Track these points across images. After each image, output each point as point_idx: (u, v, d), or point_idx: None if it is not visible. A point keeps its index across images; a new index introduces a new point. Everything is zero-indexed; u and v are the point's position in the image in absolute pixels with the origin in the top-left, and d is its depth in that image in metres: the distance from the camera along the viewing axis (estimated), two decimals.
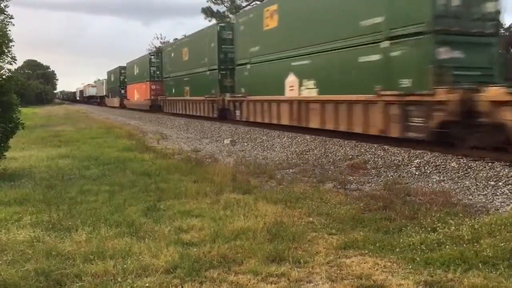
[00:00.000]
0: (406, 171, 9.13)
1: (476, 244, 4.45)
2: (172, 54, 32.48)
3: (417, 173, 8.89)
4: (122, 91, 51.92)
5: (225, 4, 49.67)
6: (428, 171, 8.89)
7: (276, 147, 13.55)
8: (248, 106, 20.26)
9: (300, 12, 15.54)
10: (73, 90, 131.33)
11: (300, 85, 15.67)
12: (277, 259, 4.36)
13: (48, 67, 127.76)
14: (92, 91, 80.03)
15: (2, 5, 9.15)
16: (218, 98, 23.60)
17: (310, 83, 15.10)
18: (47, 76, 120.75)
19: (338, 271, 4.14)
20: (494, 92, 8.92)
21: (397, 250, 4.53)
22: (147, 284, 3.83)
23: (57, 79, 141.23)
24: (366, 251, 4.58)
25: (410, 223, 5.32)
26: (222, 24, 25.56)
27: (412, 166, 9.40)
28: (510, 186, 7.32)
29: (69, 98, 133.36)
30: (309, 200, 6.55)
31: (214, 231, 5.10)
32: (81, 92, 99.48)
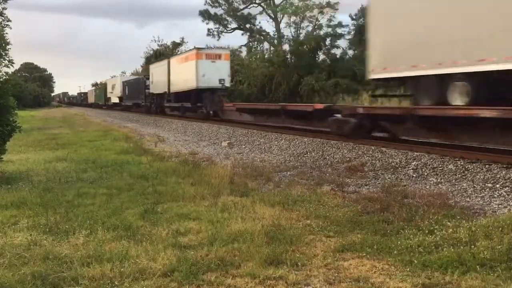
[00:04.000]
0: (403, 173, 9.13)
1: (473, 246, 4.45)
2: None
3: (414, 175, 8.90)
4: None
5: (222, 7, 49.82)
6: (426, 173, 8.90)
7: (273, 150, 13.55)
8: None
9: None
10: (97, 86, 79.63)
11: None
12: (275, 262, 4.35)
13: (45, 70, 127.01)
14: (212, 77, 25.47)
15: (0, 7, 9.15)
16: None
17: None
18: (44, 79, 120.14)
19: (336, 274, 4.14)
20: None
21: (394, 252, 4.53)
22: None
23: (54, 82, 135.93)
24: (364, 254, 4.58)
25: (408, 226, 5.32)
26: None
27: (410, 168, 9.41)
28: (507, 188, 7.33)
29: (80, 101, 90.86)
30: (306, 203, 6.55)
31: (211, 234, 5.09)
32: (128, 86, 45.75)
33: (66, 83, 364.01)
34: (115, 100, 53.75)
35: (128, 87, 46.38)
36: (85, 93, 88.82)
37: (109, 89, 57.66)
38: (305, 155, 12.09)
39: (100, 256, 4.42)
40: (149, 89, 36.94)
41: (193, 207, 6.44)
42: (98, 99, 66.55)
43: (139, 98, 40.37)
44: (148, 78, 37.89)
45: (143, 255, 4.48)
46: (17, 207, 6.47)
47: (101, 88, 68.46)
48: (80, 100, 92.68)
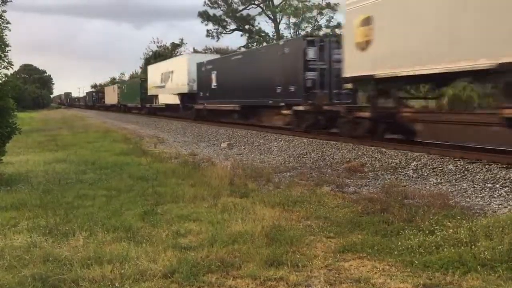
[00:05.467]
0: (403, 173, 9.13)
1: (474, 246, 4.44)
2: None
3: (414, 175, 8.90)
4: None
5: (222, 8, 49.89)
6: (426, 174, 8.90)
7: (273, 150, 13.55)
8: None
9: None
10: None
11: None
12: (275, 263, 4.34)
13: (44, 71, 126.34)
14: None
15: None
16: None
17: None
18: (44, 81, 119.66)
19: (337, 275, 4.13)
20: None
21: (395, 253, 4.53)
22: None
23: (53, 83, 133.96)
24: (364, 254, 4.57)
25: (408, 226, 5.31)
26: None
27: (410, 168, 9.41)
28: (507, 188, 7.33)
29: (92, 103, 68.74)
30: (306, 203, 6.54)
31: (212, 235, 5.08)
32: (219, 68, 22.21)
33: (65, 84, 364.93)
34: (166, 99, 31.35)
35: (218, 73, 22.95)
36: (99, 91, 64.28)
37: (152, 80, 33.90)
38: (305, 156, 12.08)
39: (100, 257, 4.41)
40: (324, 67, 15.86)
41: (193, 208, 6.43)
42: (127, 98, 42.83)
43: (291, 95, 16.84)
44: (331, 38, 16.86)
45: (143, 256, 4.47)
46: (16, 209, 6.46)
47: (132, 82, 43.23)
48: (92, 101, 67.89)
